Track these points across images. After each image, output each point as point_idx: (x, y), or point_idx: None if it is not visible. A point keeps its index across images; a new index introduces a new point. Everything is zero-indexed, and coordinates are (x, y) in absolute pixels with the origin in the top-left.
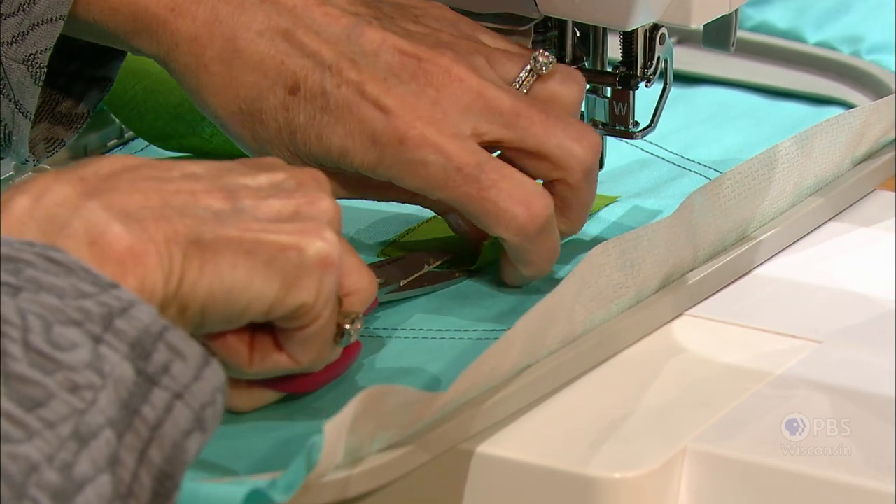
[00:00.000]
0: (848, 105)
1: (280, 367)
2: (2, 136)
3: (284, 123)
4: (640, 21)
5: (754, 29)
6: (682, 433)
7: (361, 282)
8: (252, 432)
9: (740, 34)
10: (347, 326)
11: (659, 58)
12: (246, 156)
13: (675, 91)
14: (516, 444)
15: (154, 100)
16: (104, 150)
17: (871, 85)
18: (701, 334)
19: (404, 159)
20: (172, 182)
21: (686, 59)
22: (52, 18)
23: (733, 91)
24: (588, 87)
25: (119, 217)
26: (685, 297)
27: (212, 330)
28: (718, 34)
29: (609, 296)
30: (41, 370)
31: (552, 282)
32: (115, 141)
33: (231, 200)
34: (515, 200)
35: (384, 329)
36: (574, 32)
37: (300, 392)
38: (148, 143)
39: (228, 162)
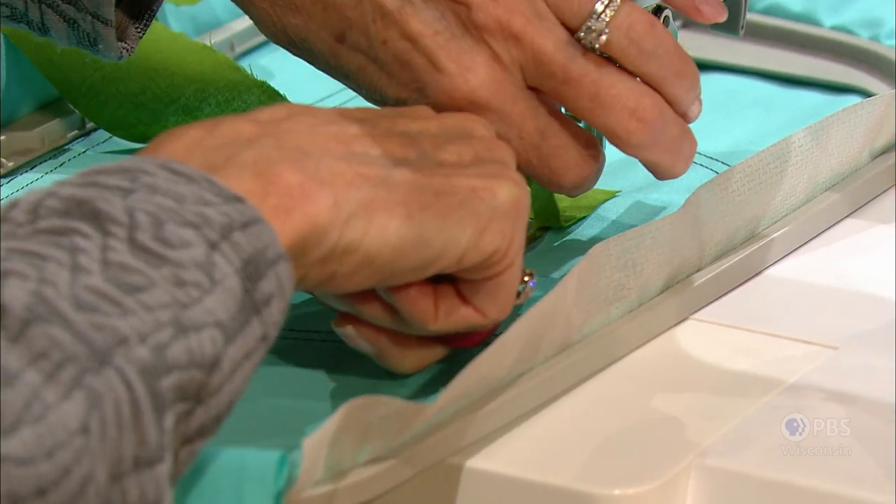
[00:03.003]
0: (866, 93)
1: (466, 321)
2: (88, 42)
3: (336, 68)
4: (641, 2)
5: (766, 11)
6: (687, 447)
7: None
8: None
9: (751, 17)
10: (526, 278)
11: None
12: None
13: None
14: (509, 457)
15: (114, 88)
16: (64, 141)
17: (890, 71)
18: (707, 340)
19: None
20: (351, 127)
21: (692, 43)
22: None
23: (743, 78)
24: None
25: (294, 155)
26: (690, 299)
27: (400, 280)
28: (727, 17)
29: (609, 297)
30: (145, 263)
31: (549, 282)
32: (77, 132)
33: (413, 146)
34: (573, 164)
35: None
36: None
37: (469, 346)
38: (110, 135)
39: (387, 109)
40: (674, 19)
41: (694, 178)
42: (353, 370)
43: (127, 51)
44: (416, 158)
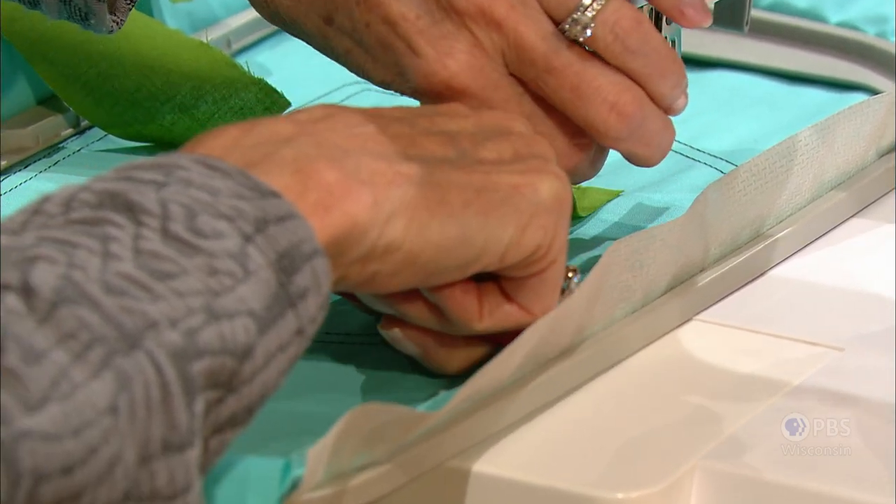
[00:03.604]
0: (872, 91)
1: (511, 319)
2: (79, 17)
3: (327, 49)
4: (636, 1)
5: (770, 8)
6: (691, 449)
7: None
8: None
9: (755, 13)
10: (570, 275)
11: (666, 38)
12: None
13: None
14: (511, 461)
15: (110, 85)
16: (58, 139)
17: None
18: (711, 341)
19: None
20: (390, 127)
21: (695, 40)
22: None
23: (747, 76)
24: None
25: (333, 154)
26: (694, 300)
27: (443, 279)
28: (731, 13)
29: (615, 298)
30: (177, 251)
31: None
32: (71, 130)
33: (452, 145)
34: (562, 152)
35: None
36: None
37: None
38: (105, 133)
39: (424, 108)
40: None
41: (698, 176)
42: (354, 371)
43: (117, 24)
44: (455, 156)
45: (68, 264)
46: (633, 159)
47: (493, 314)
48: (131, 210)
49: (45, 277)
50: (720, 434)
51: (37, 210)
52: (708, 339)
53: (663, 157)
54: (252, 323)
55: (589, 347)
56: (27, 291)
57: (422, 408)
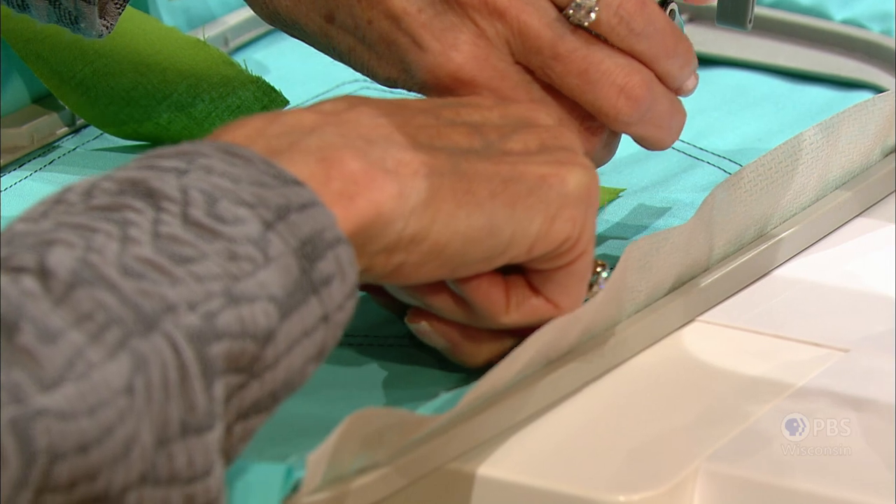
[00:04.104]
0: (877, 89)
1: (538, 313)
2: (68, 21)
3: (329, 48)
4: None
5: (774, 5)
6: (694, 451)
7: None
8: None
9: (759, 10)
10: (598, 269)
11: (671, 19)
12: None
13: None
14: (512, 463)
15: (105, 83)
16: (54, 138)
17: None
18: (715, 342)
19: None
20: (415, 117)
21: (699, 38)
22: None
23: (751, 73)
24: None
25: (358, 143)
26: (697, 300)
27: (470, 270)
28: (734, 10)
29: (622, 300)
30: (197, 236)
31: None
32: (66, 128)
33: (477, 136)
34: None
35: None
36: None
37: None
38: (101, 132)
39: (449, 100)
40: (680, 13)
41: (701, 175)
42: (354, 373)
43: (107, 28)
44: (481, 147)
45: (86, 248)
46: (645, 143)
47: (520, 307)
48: (152, 196)
49: (61, 260)
50: (723, 436)
51: (58, 200)
52: (711, 340)
53: (675, 139)
54: (273, 308)
55: (591, 349)
56: (44, 273)
57: (423, 410)
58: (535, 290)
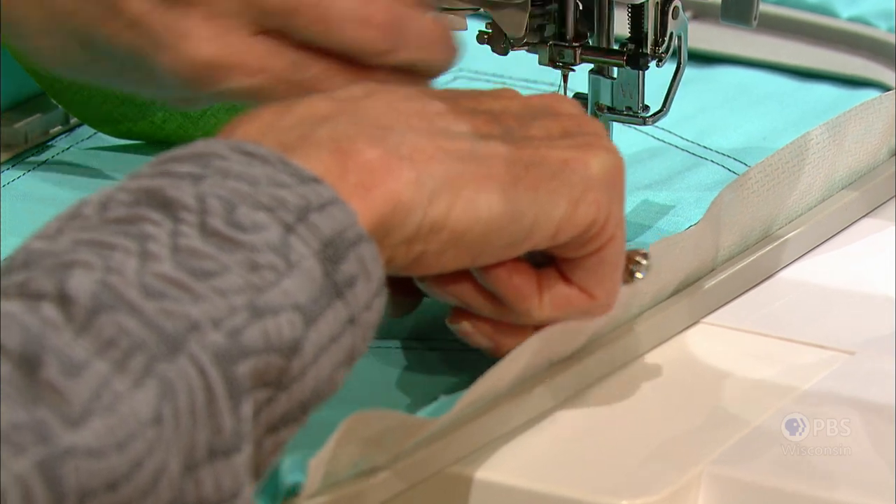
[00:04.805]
0: (884, 87)
1: (572, 305)
2: None
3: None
4: None
5: (779, 2)
6: (697, 455)
7: None
8: None
9: (764, 8)
10: (639, 259)
11: (672, 34)
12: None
13: (690, 71)
14: (514, 467)
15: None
16: (47, 137)
17: None
18: (719, 344)
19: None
20: (433, 104)
21: (702, 35)
22: None
23: (755, 71)
24: (592, 67)
25: (372, 131)
26: (702, 302)
27: (493, 257)
28: (739, 8)
29: (628, 302)
30: (217, 247)
31: None
32: (60, 127)
33: (497, 123)
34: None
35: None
36: (576, 5)
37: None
38: (95, 131)
39: (469, 90)
40: (683, 10)
41: (705, 174)
42: (354, 375)
43: None
44: (501, 134)
45: (105, 268)
46: (426, 70)
47: (554, 301)
48: (168, 206)
49: (81, 284)
50: (727, 439)
51: (74, 214)
52: (716, 342)
53: (450, 58)
54: (298, 317)
55: (593, 350)
56: (64, 300)
57: (422, 413)
58: (568, 281)
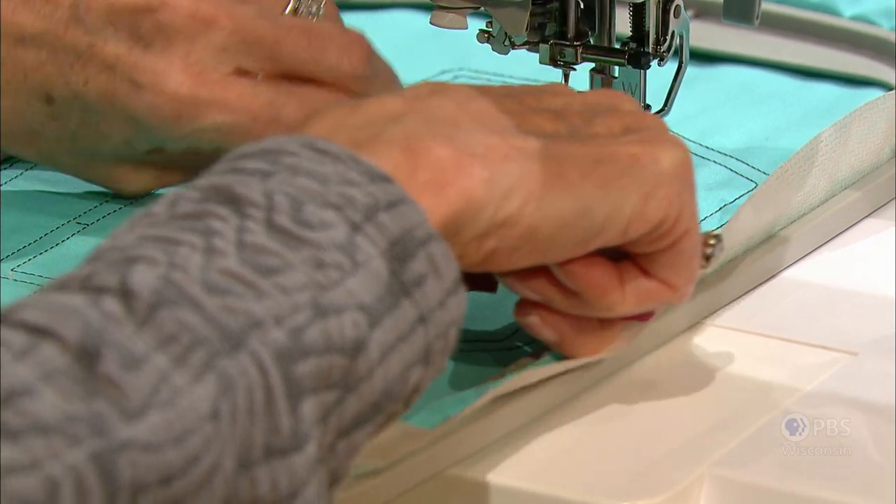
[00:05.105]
0: (887, 86)
1: (654, 297)
2: None
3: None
4: None
5: (782, 1)
6: (699, 457)
7: None
8: None
9: (766, 6)
10: (712, 242)
11: (673, 33)
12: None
13: (692, 70)
14: (512, 469)
15: None
16: None
17: None
18: (721, 345)
19: (194, 133)
20: (500, 102)
21: (704, 34)
22: None
23: (757, 70)
24: (594, 66)
25: (444, 130)
26: (703, 303)
27: (564, 254)
28: (741, 6)
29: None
30: (282, 244)
31: None
32: None
33: (561, 121)
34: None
35: None
36: (577, 3)
37: (647, 320)
38: None
39: (530, 86)
40: (685, 9)
41: (708, 175)
42: None
43: None
44: (567, 132)
45: (169, 264)
46: None
47: (635, 293)
48: (236, 202)
49: (144, 279)
50: (730, 441)
51: (146, 213)
52: (718, 343)
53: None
54: (362, 317)
55: None
56: (126, 294)
57: (422, 415)
58: (647, 274)
